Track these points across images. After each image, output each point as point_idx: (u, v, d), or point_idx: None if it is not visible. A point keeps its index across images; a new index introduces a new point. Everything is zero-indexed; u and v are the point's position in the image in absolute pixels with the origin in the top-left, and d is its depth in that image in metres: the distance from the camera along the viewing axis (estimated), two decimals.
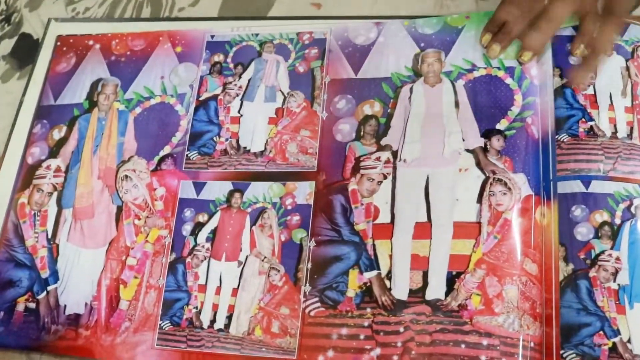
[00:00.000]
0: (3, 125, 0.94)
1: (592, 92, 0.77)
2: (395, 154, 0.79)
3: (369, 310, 0.73)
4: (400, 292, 0.73)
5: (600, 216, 0.71)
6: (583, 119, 0.75)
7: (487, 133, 0.77)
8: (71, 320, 0.80)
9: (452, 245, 0.73)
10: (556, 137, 0.75)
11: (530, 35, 0.78)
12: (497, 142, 0.76)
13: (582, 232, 0.71)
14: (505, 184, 0.74)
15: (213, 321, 0.76)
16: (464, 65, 0.81)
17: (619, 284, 0.68)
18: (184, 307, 0.78)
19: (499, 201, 0.73)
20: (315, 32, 0.88)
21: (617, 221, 0.70)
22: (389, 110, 0.81)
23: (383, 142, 0.80)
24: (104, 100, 0.91)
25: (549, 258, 0.70)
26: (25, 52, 1.00)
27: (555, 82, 0.78)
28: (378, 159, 0.79)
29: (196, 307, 0.77)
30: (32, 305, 0.82)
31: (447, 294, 0.71)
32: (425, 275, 0.73)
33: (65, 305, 0.81)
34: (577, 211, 0.71)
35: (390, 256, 0.74)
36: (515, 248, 0.71)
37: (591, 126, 0.75)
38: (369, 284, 0.74)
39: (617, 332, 0.67)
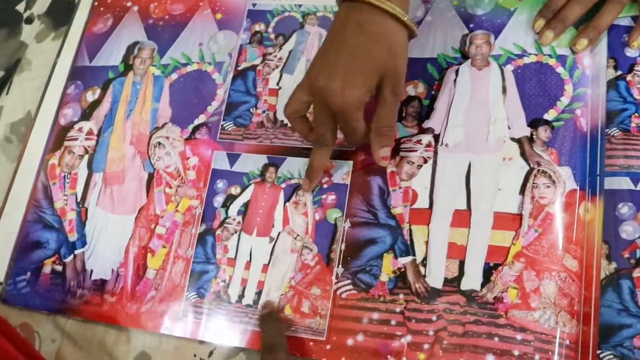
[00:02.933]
0: (37, 85, 0.93)
1: None
2: (437, 138, 0.77)
3: (402, 296, 0.71)
4: (435, 280, 0.71)
5: None
6: (636, 114, 0.73)
7: (534, 123, 0.74)
8: (97, 286, 0.79)
9: (491, 236, 0.71)
10: (606, 131, 0.73)
11: (600, 15, 0.75)
12: (544, 133, 0.74)
13: (628, 230, 0.68)
14: (550, 176, 0.71)
15: (242, 296, 0.75)
16: (514, 50, 0.78)
17: None
18: (212, 279, 0.76)
19: (542, 194, 0.71)
20: None
21: None
22: (432, 92, 0.79)
23: (425, 124, 0.77)
24: (140, 64, 0.89)
25: (590, 255, 0.68)
26: (61, 12, 0.98)
27: (609, 74, 0.75)
28: (419, 142, 0.77)
29: (224, 281, 0.76)
30: (59, 268, 0.81)
31: (483, 285, 0.69)
32: (461, 265, 0.71)
33: (92, 270, 0.80)
34: (624, 209, 0.69)
35: (427, 243, 0.73)
36: (556, 243, 0.69)
37: None
38: (403, 269, 0.72)
39: None
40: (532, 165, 0.73)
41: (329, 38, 0.69)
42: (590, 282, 0.68)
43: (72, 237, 0.82)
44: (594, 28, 0.76)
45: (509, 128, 0.75)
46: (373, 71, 0.66)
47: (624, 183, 0.70)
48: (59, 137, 0.88)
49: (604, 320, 0.66)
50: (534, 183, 0.72)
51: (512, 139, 0.74)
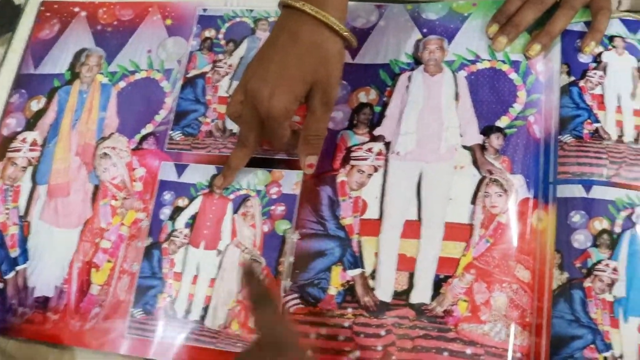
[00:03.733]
0: None
1: (601, 92, 0.73)
2: (388, 146, 0.75)
3: (350, 310, 0.69)
4: (384, 293, 0.69)
5: (600, 224, 0.67)
6: (589, 120, 0.71)
7: (487, 130, 0.73)
8: (39, 303, 0.76)
9: (441, 247, 0.69)
10: (559, 137, 0.71)
11: (554, 20, 0.74)
12: (496, 141, 0.72)
13: (580, 239, 0.67)
14: (502, 185, 0.70)
15: (188, 311, 0.73)
16: (467, 56, 0.77)
17: (614, 296, 0.65)
18: (158, 295, 0.74)
19: (494, 203, 0.69)
20: None
21: (617, 230, 0.67)
22: (384, 99, 0.77)
23: (376, 132, 0.76)
24: (87, 72, 0.86)
25: (543, 265, 0.67)
26: (5, 17, 0.95)
27: (562, 80, 0.74)
28: (370, 150, 0.75)
29: (171, 296, 0.74)
30: (0, 285, 0.78)
31: (433, 298, 0.68)
32: (411, 277, 0.69)
33: (34, 287, 0.77)
34: (576, 217, 0.67)
35: (376, 254, 0.71)
36: (507, 253, 0.68)
37: (597, 128, 0.71)
38: (352, 282, 0.70)
39: (609, 347, 0.63)
40: (483, 174, 0.71)
41: (266, 42, 0.69)
42: (542, 292, 0.66)
43: (14, 252, 0.79)
44: (547, 33, 0.74)
45: (461, 136, 0.73)
46: (302, 80, 0.66)
47: (577, 191, 0.68)
48: (1, 148, 0.85)
49: (555, 331, 0.64)
50: (485, 192, 0.70)
51: (464, 147, 0.73)
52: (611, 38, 0.75)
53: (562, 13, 0.74)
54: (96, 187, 0.80)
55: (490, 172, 0.71)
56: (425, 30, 0.79)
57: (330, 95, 0.68)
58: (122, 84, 0.85)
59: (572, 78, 0.73)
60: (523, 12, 0.75)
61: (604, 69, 0.74)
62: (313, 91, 0.67)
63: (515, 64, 0.75)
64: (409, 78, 0.77)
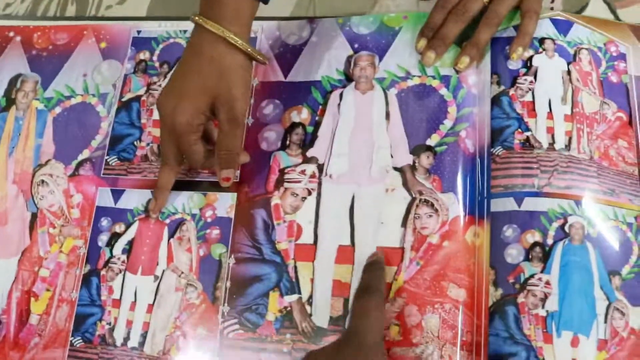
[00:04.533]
0: None
1: (531, 99, 0.72)
2: (321, 168, 0.74)
3: (288, 336, 0.69)
4: (321, 319, 0.69)
5: (532, 236, 0.67)
6: (519, 130, 0.71)
7: (417, 149, 0.72)
8: None
9: None
10: (491, 150, 0.71)
11: (479, 30, 0.73)
12: (426, 160, 0.71)
13: (513, 254, 0.67)
14: (432, 205, 0.69)
15: (127, 339, 0.73)
16: (398, 72, 0.76)
17: (547, 311, 0.65)
18: (97, 322, 0.74)
19: (424, 224, 0.69)
20: None
21: (550, 241, 0.66)
22: (317, 118, 0.76)
23: (309, 153, 0.75)
24: (23, 98, 0.86)
25: (481, 282, 0.67)
26: None
27: (493, 90, 0.73)
28: (303, 172, 0.74)
29: (110, 323, 0.74)
30: None
31: None
32: (346, 303, 0.69)
33: None
34: (509, 231, 0.67)
35: (312, 280, 0.70)
36: (439, 274, 0.67)
37: (527, 137, 0.71)
38: (289, 308, 0.70)
39: None
40: (414, 195, 0.71)
41: (179, 59, 0.72)
42: (480, 310, 0.66)
43: None
44: (474, 45, 0.74)
45: (392, 157, 0.73)
46: (203, 93, 0.68)
47: (509, 204, 0.68)
48: None
49: (492, 349, 0.64)
50: (415, 214, 0.70)
51: (395, 169, 0.72)
52: (541, 40, 0.74)
53: (485, 22, 0.73)
54: (34, 215, 0.80)
55: (421, 193, 0.70)
56: (356, 45, 0.79)
57: (235, 110, 0.68)
58: (58, 110, 0.84)
59: (502, 87, 0.73)
60: (448, 24, 0.74)
61: (534, 74, 0.73)
62: (217, 105, 0.68)
63: (445, 79, 0.75)
64: (340, 96, 0.77)
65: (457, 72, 0.74)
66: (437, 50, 0.74)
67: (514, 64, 0.74)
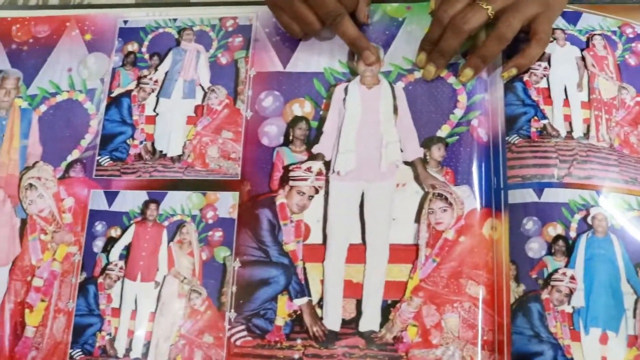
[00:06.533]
0: None
1: (546, 85, 0.70)
2: (328, 165, 0.71)
3: (299, 341, 0.67)
4: (333, 322, 0.67)
5: (554, 229, 0.65)
6: (535, 117, 0.69)
7: (427, 142, 0.70)
8: None
9: (387, 271, 0.67)
10: (506, 139, 0.68)
11: (489, 42, 0.69)
12: (437, 152, 0.69)
13: (534, 248, 0.65)
14: (446, 199, 0.67)
15: (129, 349, 0.69)
16: (404, 65, 0.73)
17: (573, 307, 0.63)
18: (97, 333, 0.70)
19: (439, 219, 0.67)
20: (240, 17, 0.79)
21: (573, 234, 0.64)
22: (321, 113, 0.73)
23: (315, 150, 0.72)
24: (4, 97, 0.81)
25: (500, 278, 0.65)
26: None
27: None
28: (309, 169, 0.71)
29: (110, 334, 0.70)
30: None
31: (382, 324, 0.65)
32: (359, 304, 0.66)
33: None
34: (529, 224, 0.65)
35: (322, 281, 0.68)
36: (456, 271, 0.65)
37: (544, 125, 0.69)
38: (299, 312, 0.67)
39: None
40: (426, 189, 0.68)
41: None
42: (502, 307, 0.64)
43: None
44: (479, 57, 0.70)
45: (402, 151, 0.70)
46: None
47: (528, 195, 0.66)
48: None
49: (515, 348, 0.62)
50: (429, 209, 0.67)
51: (406, 163, 0.70)
52: (552, 31, 0.72)
53: (496, 35, 0.68)
54: (23, 222, 0.76)
55: (434, 187, 0.68)
56: None
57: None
58: (43, 108, 0.80)
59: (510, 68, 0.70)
60: (445, 39, 0.69)
61: (548, 60, 0.71)
62: None
63: (453, 67, 0.72)
64: (345, 90, 0.73)
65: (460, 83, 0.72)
66: (437, 63, 0.71)
67: None
